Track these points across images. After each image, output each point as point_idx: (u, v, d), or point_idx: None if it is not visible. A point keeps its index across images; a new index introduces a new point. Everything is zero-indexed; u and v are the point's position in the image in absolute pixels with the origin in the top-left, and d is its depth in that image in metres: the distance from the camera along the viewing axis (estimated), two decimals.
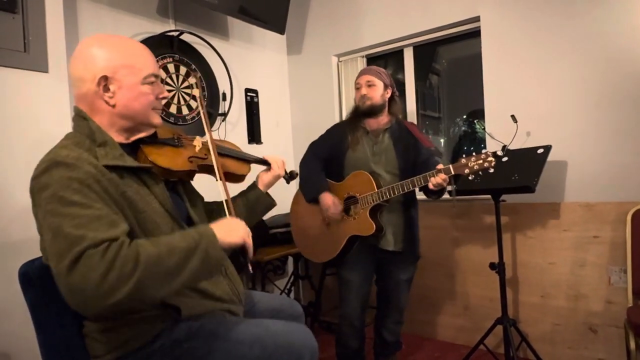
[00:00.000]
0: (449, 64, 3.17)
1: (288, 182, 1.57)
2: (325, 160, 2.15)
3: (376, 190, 1.96)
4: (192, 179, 1.28)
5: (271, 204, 1.47)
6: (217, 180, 1.20)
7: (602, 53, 2.19)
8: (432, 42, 2.90)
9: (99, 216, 0.92)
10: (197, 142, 1.25)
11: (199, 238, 1.00)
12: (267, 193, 1.47)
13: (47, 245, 0.92)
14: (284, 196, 2.18)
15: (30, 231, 1.72)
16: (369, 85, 2.08)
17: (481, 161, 1.73)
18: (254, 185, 1.47)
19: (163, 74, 2.54)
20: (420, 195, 2.23)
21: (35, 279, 1.11)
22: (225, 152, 1.35)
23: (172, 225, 1.12)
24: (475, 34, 2.63)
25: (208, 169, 1.24)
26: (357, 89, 2.13)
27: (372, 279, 2.15)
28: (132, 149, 1.13)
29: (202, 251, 0.98)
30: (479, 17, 2.55)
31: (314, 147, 2.23)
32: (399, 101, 2.19)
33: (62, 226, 0.89)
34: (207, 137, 1.23)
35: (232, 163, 1.34)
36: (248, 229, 1.12)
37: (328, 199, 2.02)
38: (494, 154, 1.73)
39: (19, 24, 1.73)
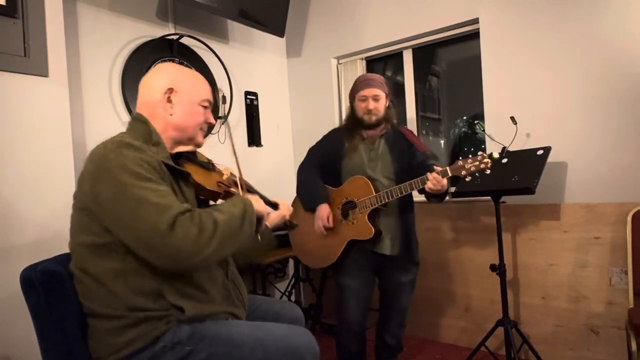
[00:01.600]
0: (448, 65, 3.18)
1: (288, 230, 1.62)
2: (322, 166, 2.15)
3: (374, 194, 1.96)
4: (215, 201, 1.38)
5: (273, 241, 1.49)
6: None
7: (601, 54, 2.19)
8: (432, 44, 2.90)
9: (170, 192, 1.09)
10: (226, 171, 1.39)
11: (244, 206, 1.18)
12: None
13: (129, 215, 1.03)
14: (284, 199, 2.19)
15: (31, 235, 1.74)
16: (376, 100, 2.04)
17: (477, 162, 1.78)
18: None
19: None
20: (419, 197, 2.23)
21: (37, 284, 1.11)
22: (249, 187, 1.46)
23: None
24: (475, 35, 2.64)
25: (229, 197, 1.36)
26: (362, 100, 2.06)
27: (372, 284, 2.14)
28: (173, 160, 1.25)
29: (249, 218, 1.17)
30: (477, 19, 2.56)
31: (312, 153, 2.24)
32: (393, 107, 2.18)
33: (148, 197, 1.03)
34: (235, 170, 1.39)
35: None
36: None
37: (323, 212, 2.03)
38: (490, 156, 1.77)
39: (19, 28, 1.73)
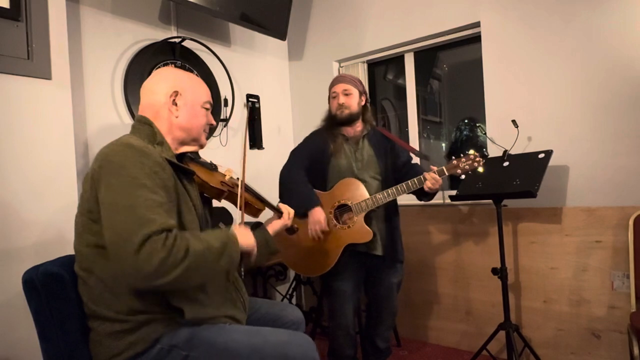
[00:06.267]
0: (449, 68, 3.18)
1: (290, 234, 1.60)
2: (308, 169, 2.11)
3: (368, 196, 1.96)
4: (220, 200, 1.41)
5: (276, 249, 1.44)
6: (237, 207, 1.35)
7: (603, 58, 2.19)
8: (433, 47, 2.91)
9: (161, 203, 1.07)
10: (228, 173, 1.43)
11: (227, 240, 1.15)
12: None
13: (112, 219, 1.03)
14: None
15: (34, 237, 1.74)
16: (346, 94, 2.08)
17: (470, 161, 1.92)
18: (263, 228, 1.45)
19: None
20: (418, 202, 2.23)
21: (39, 286, 1.11)
22: (250, 188, 1.48)
23: (198, 228, 1.22)
24: (476, 39, 2.64)
25: (232, 197, 1.41)
26: (334, 97, 2.11)
27: (362, 286, 2.15)
28: (177, 160, 1.27)
29: (229, 253, 1.15)
30: (479, 22, 2.56)
31: (297, 155, 2.17)
32: (371, 108, 2.21)
33: (136, 205, 1.02)
34: (239, 172, 1.42)
35: (253, 199, 1.47)
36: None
37: (319, 214, 1.95)
38: (481, 154, 1.94)
39: (23, 31, 1.74)
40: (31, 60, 1.76)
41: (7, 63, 1.69)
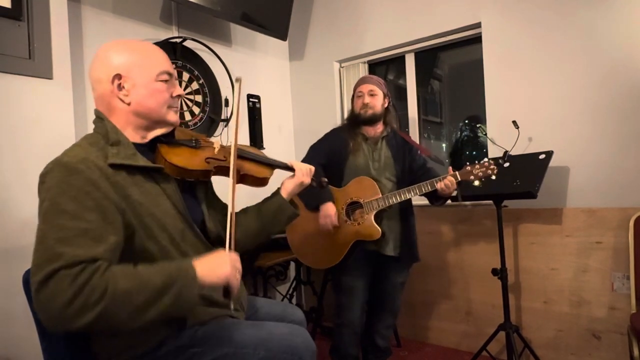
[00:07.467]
0: (450, 69, 3.18)
1: (321, 189, 1.51)
2: (325, 165, 2.14)
3: (380, 195, 1.98)
4: (208, 179, 1.26)
5: (294, 213, 1.37)
6: (232, 181, 1.17)
7: (604, 59, 2.19)
8: (434, 48, 2.91)
9: (85, 230, 0.91)
10: (217, 144, 1.26)
11: (177, 276, 0.96)
12: (291, 201, 1.38)
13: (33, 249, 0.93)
14: None
15: (34, 237, 1.73)
16: (372, 95, 2.11)
17: (484, 169, 1.89)
18: (277, 192, 1.39)
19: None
20: (421, 201, 2.23)
21: None
22: (246, 155, 1.30)
23: (182, 227, 1.12)
24: (477, 40, 2.64)
25: (226, 171, 1.21)
26: (359, 97, 2.15)
27: (370, 285, 2.15)
28: (150, 148, 1.14)
29: (176, 292, 0.95)
30: (480, 23, 2.56)
31: (314, 151, 2.22)
32: (393, 111, 2.23)
33: (47, 236, 0.90)
34: (231, 141, 1.21)
35: (253, 166, 1.31)
36: (238, 264, 1.07)
37: (330, 209, 2.01)
38: (496, 162, 1.90)
39: (24, 31, 1.75)
40: (32, 60, 1.76)
41: (8, 62, 1.69)
